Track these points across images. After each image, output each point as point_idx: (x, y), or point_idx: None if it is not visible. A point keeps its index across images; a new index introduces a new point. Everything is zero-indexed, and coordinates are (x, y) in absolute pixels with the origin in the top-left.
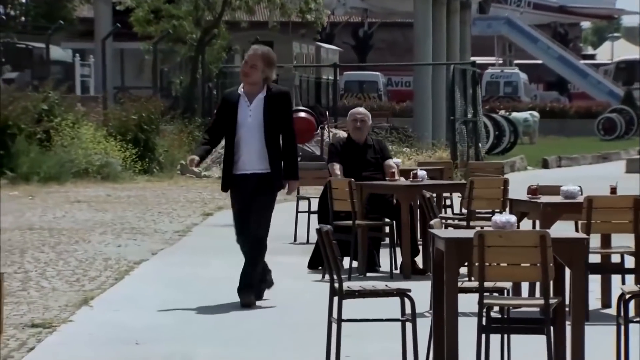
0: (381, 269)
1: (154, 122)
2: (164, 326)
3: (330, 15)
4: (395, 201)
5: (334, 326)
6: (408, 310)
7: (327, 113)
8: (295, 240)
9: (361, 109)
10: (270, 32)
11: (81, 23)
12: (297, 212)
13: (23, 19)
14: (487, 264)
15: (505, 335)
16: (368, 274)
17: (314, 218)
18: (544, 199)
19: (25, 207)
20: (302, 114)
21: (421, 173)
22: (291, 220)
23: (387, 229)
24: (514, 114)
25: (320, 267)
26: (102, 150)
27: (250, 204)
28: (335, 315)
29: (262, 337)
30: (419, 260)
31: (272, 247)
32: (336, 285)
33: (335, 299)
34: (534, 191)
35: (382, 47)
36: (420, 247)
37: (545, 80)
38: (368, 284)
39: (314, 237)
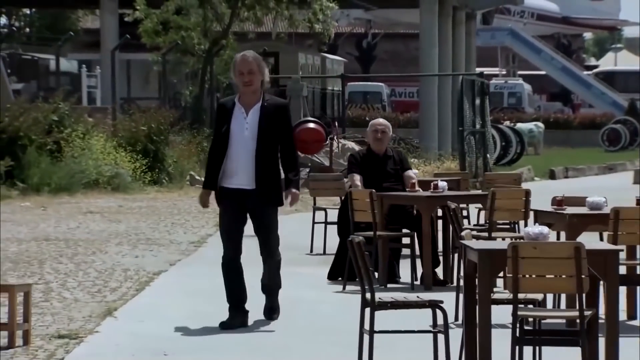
0: (401, 280)
1: (164, 133)
2: (190, 336)
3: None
4: (415, 212)
5: (366, 337)
6: (439, 321)
7: (336, 123)
8: (311, 251)
9: (382, 120)
10: (276, 43)
11: (85, 34)
12: (314, 222)
13: (28, 30)
14: (520, 275)
15: (537, 347)
16: (388, 285)
17: (331, 229)
18: (570, 210)
19: (39, 218)
20: (312, 125)
21: (442, 184)
22: (307, 231)
23: (407, 240)
24: (519, 125)
25: (340, 278)
26: (112, 161)
27: (252, 224)
28: (367, 326)
29: (288, 347)
30: (439, 271)
31: (289, 257)
32: (368, 296)
33: (367, 310)
34: (559, 202)
35: (384, 57)
36: (441, 258)
37: (549, 91)
38: (399, 295)
39: (330, 248)
